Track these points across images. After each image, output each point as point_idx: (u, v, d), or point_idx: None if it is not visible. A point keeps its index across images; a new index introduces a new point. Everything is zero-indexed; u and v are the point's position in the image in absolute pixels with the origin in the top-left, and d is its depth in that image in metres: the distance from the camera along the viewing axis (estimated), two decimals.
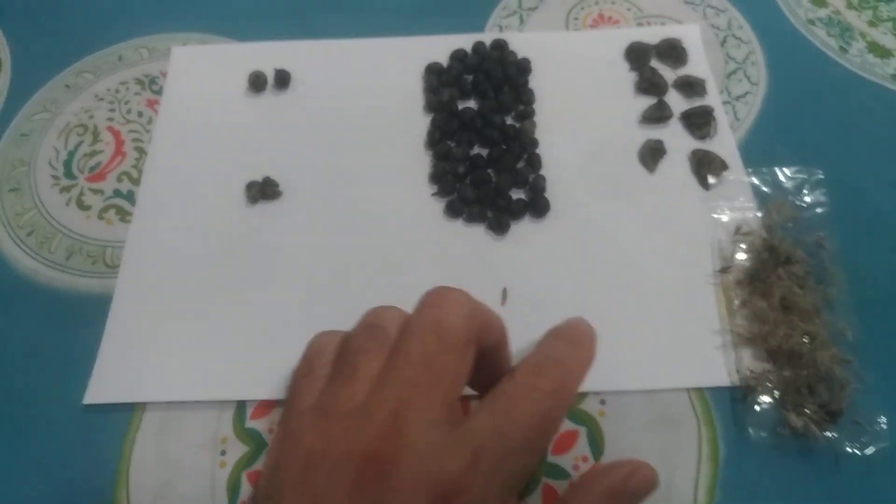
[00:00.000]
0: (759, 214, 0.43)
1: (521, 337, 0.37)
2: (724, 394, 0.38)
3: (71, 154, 0.48)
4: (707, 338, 0.40)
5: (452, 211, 0.44)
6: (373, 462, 0.24)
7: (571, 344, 0.30)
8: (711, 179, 0.44)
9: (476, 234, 0.43)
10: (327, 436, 0.25)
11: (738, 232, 0.43)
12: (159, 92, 0.50)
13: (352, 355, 0.28)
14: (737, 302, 0.40)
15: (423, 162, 0.46)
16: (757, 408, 0.37)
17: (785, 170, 0.45)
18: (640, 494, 0.29)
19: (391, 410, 0.25)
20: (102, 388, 0.38)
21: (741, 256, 0.42)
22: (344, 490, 0.24)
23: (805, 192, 0.44)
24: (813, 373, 0.37)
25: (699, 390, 0.38)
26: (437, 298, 0.28)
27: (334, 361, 0.28)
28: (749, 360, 0.38)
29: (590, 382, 0.37)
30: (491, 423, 0.25)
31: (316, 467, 0.25)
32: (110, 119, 0.49)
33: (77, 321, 0.41)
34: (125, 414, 0.38)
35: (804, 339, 0.38)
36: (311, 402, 0.27)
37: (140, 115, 0.49)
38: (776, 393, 0.37)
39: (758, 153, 0.46)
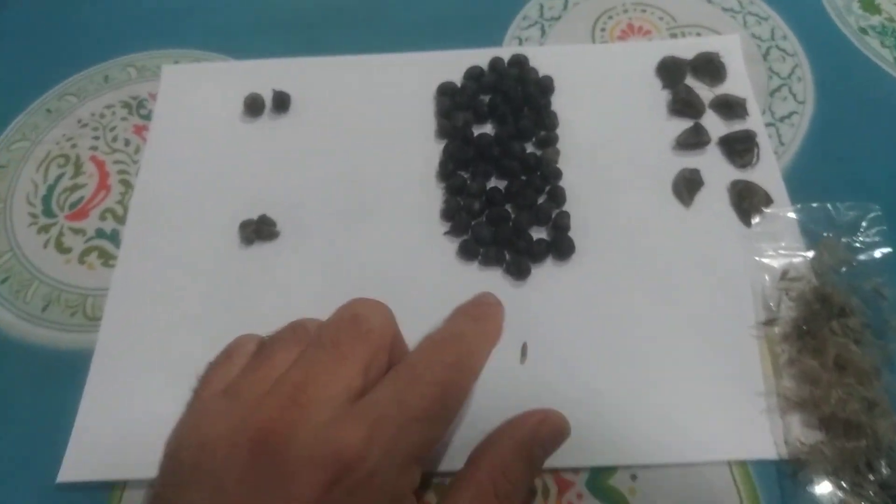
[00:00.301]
0: (809, 256, 0.39)
1: (543, 401, 0.34)
2: (770, 468, 0.35)
3: (51, 188, 0.45)
4: (750, 401, 0.36)
5: (466, 252, 0.41)
6: (269, 437, 0.24)
7: (476, 320, 0.32)
8: (755, 219, 0.40)
9: (492, 279, 0.40)
10: (230, 417, 0.26)
11: (785, 277, 0.39)
12: (147, 116, 0.47)
13: (269, 345, 0.29)
14: (784, 359, 0.37)
15: (434, 196, 0.43)
16: (809, 488, 0.33)
17: (837, 204, 0.41)
18: (551, 443, 0.30)
19: (293, 386, 0.26)
20: (79, 463, 0.35)
21: (788, 305, 0.38)
22: (240, 467, 0.24)
23: (861, 230, 0.40)
24: (872, 445, 0.34)
25: (742, 464, 0.35)
26: (356, 301, 0.29)
27: (253, 353, 0.29)
28: (799, 429, 0.35)
29: (619, 455, 0.35)
30: (392, 393, 0.26)
31: (215, 448, 0.25)
32: (94, 148, 0.46)
33: (52, 383, 0.38)
34: (103, 492, 0.35)
35: (863, 405, 0.35)
36: (221, 388, 0.27)
37: (127, 143, 0.46)
38: (830, 468, 0.34)
39: (805, 184, 0.42)
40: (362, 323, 0.28)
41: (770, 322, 0.38)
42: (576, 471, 0.35)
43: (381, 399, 0.26)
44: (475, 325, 0.32)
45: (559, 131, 0.45)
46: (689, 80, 0.47)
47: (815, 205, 0.41)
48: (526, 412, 0.31)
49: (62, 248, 0.42)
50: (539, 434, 0.30)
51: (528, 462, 0.30)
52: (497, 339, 0.32)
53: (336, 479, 0.24)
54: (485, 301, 0.34)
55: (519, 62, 0.47)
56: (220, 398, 0.27)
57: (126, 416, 0.37)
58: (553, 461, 0.34)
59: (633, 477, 0.35)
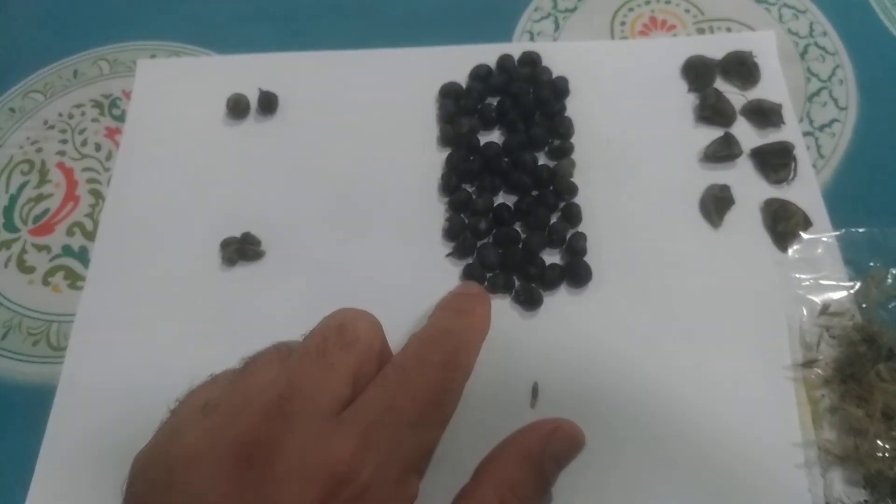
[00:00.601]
0: (853, 288, 0.36)
1: None
2: None
3: (13, 199, 0.41)
4: (785, 453, 0.33)
5: (471, 278, 0.37)
6: (254, 449, 0.23)
7: (462, 314, 0.31)
8: (794, 245, 0.37)
9: (500, 309, 0.37)
10: (209, 431, 0.24)
11: (825, 312, 0.36)
12: (121, 118, 0.43)
13: (251, 362, 0.27)
14: (824, 406, 0.34)
15: (435, 212, 0.39)
16: None
17: (885, 229, 0.37)
18: (564, 455, 0.28)
19: (278, 396, 0.24)
20: None
21: (829, 344, 0.35)
22: (223, 483, 0.23)
23: None
24: None
25: None
26: (341, 310, 0.28)
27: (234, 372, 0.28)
28: (841, 487, 0.32)
29: None
30: (383, 397, 0.25)
31: (193, 464, 0.23)
32: (61, 153, 0.43)
33: (11, 420, 0.35)
34: None
35: None
36: (200, 405, 0.26)
37: (98, 147, 0.43)
38: None
39: (848, 203, 0.39)
40: (349, 332, 0.27)
41: (808, 363, 0.35)
42: None
43: (371, 406, 0.25)
44: (461, 319, 0.31)
45: (574, 140, 0.41)
46: (719, 83, 0.43)
47: (860, 230, 0.37)
48: (536, 421, 0.29)
49: (24, 268, 0.39)
50: (551, 445, 0.28)
51: (539, 476, 0.28)
52: (486, 331, 0.31)
53: (328, 496, 0.22)
54: (467, 292, 0.33)
55: (531, 61, 0.43)
56: (198, 413, 0.26)
57: (94, 458, 0.34)
58: None
59: None
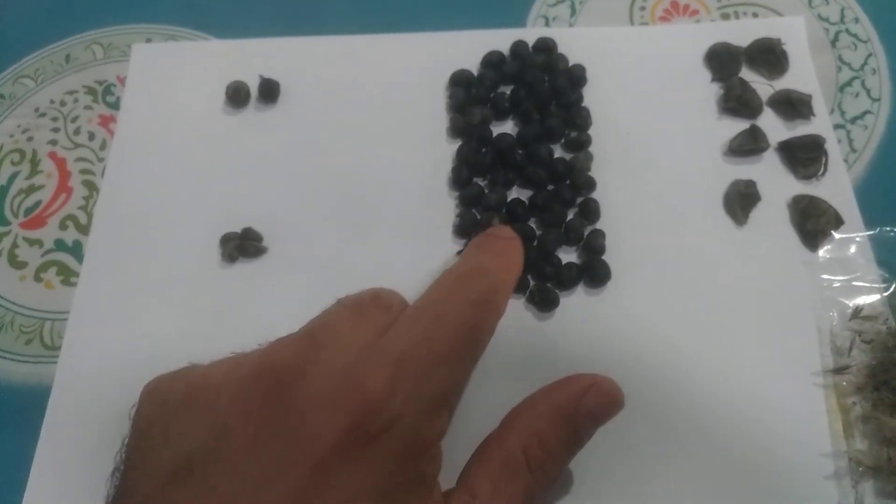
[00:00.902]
0: (888, 291, 0.35)
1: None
2: None
3: (3, 190, 0.41)
4: (815, 464, 0.32)
5: None
6: (283, 373, 0.23)
7: (497, 255, 0.31)
8: (824, 245, 0.36)
9: (513, 310, 0.36)
10: (232, 361, 0.25)
11: (858, 315, 0.35)
12: (115, 105, 0.43)
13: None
14: (855, 415, 0.33)
15: (446, 207, 0.39)
16: None
17: None
18: (600, 415, 0.27)
19: (307, 332, 0.25)
20: None
21: (861, 349, 0.34)
22: (246, 406, 0.23)
23: None
24: None
25: None
26: (375, 287, 0.28)
27: None
28: (873, 500, 0.32)
29: None
30: (417, 332, 0.25)
31: (213, 386, 0.24)
32: (53, 142, 0.42)
33: (5, 423, 0.35)
34: None
35: None
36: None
37: (91, 136, 0.42)
38: None
39: (882, 200, 0.38)
40: (384, 299, 0.27)
41: (839, 370, 0.34)
42: None
43: (404, 338, 0.25)
44: (496, 259, 0.30)
45: (592, 131, 0.40)
46: (744, 72, 0.42)
47: (895, 229, 0.36)
48: (571, 376, 0.28)
49: (16, 263, 0.38)
50: (586, 401, 0.27)
51: (570, 431, 0.27)
52: (518, 275, 0.31)
53: (357, 425, 0.22)
54: (502, 234, 0.33)
55: (546, 47, 0.43)
56: (222, 358, 0.26)
57: (91, 460, 0.33)
58: None
59: None
